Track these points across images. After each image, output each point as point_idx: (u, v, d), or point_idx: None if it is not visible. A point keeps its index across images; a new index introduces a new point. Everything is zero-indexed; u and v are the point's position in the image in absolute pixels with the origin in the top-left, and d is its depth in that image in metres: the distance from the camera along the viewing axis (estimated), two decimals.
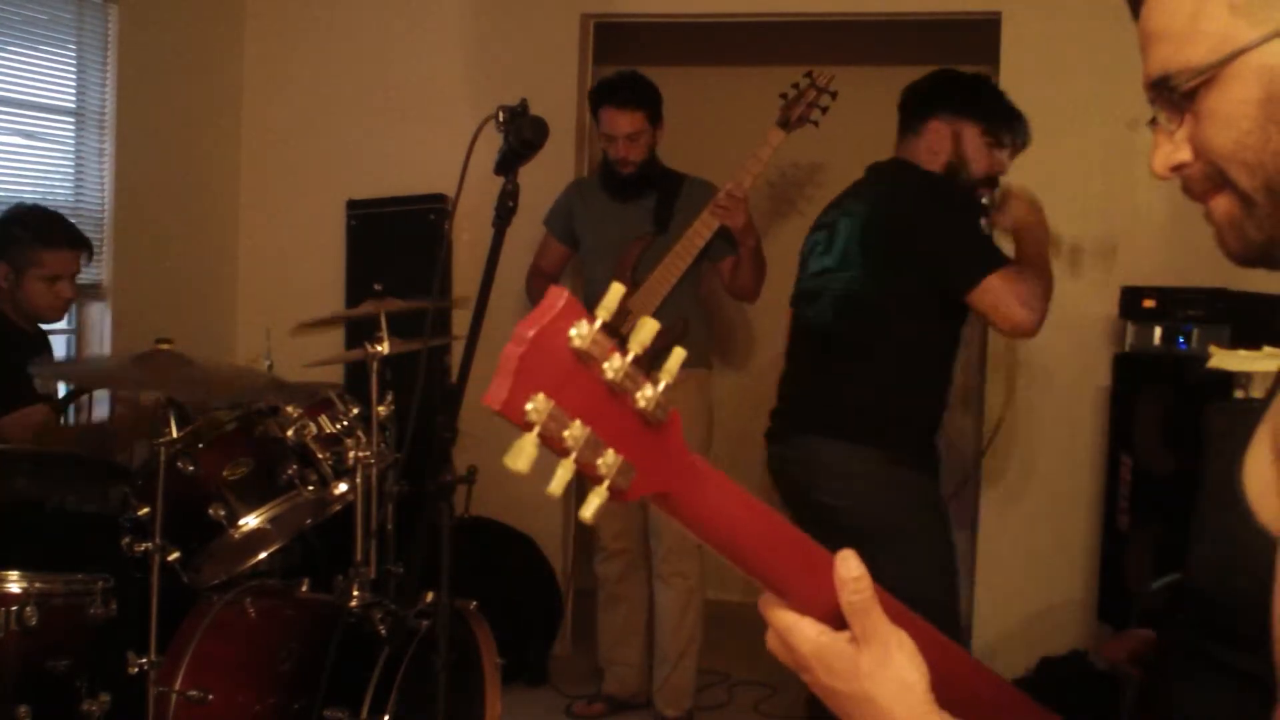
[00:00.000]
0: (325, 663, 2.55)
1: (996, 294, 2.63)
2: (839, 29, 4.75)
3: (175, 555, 2.65)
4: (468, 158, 2.16)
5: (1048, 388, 4.23)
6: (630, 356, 0.79)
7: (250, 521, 2.77)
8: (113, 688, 2.57)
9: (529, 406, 0.75)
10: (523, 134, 2.14)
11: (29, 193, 3.93)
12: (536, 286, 4.10)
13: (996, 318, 2.66)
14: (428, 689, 2.23)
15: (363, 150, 4.69)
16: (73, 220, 3.46)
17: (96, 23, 4.10)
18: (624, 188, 3.87)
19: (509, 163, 2.18)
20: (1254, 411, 0.91)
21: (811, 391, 2.89)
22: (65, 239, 3.27)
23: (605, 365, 0.78)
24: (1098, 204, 4.17)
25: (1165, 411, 3.60)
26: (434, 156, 4.12)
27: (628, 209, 3.89)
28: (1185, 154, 0.93)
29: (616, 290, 0.78)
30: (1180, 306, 3.69)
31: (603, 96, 3.84)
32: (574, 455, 0.78)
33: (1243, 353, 3.18)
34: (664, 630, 3.87)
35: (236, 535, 2.76)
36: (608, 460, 0.79)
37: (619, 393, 0.79)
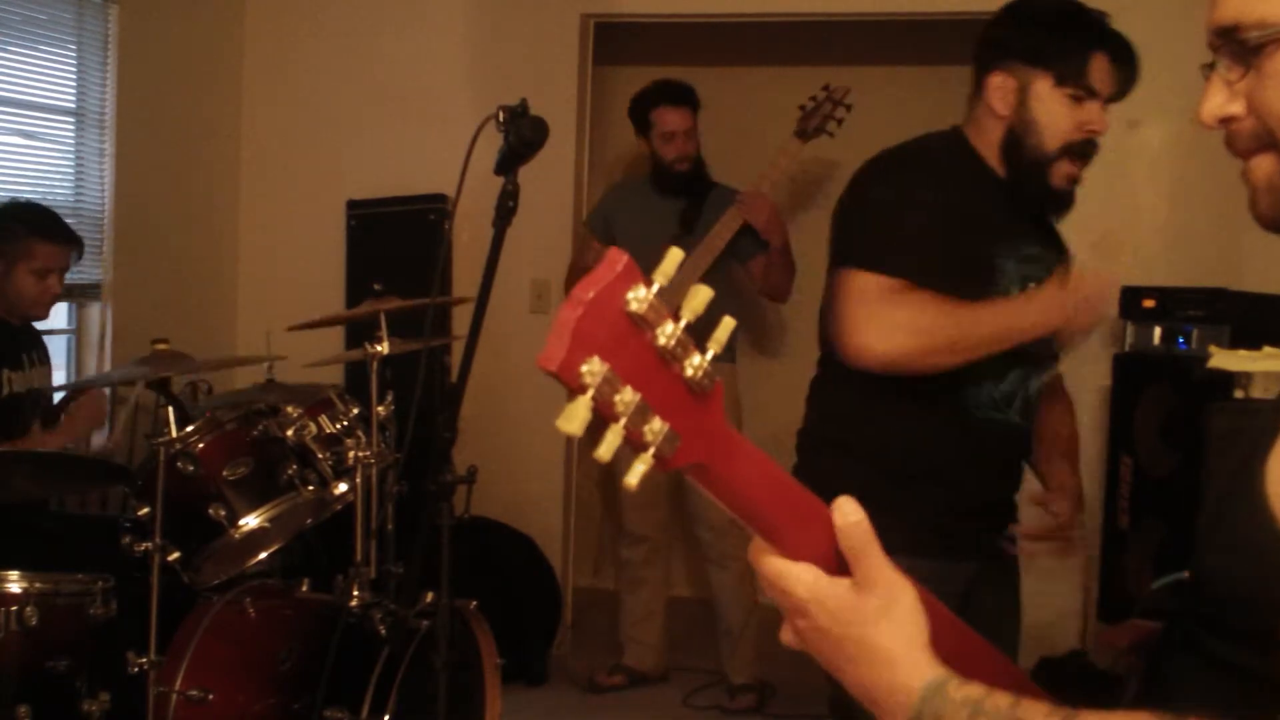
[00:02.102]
0: (325, 663, 2.55)
1: (847, 294, 1.95)
2: (839, 29, 4.75)
3: (175, 555, 2.65)
4: (468, 158, 2.16)
5: None
6: (683, 323, 0.78)
7: (250, 521, 2.77)
8: (113, 688, 2.57)
9: (584, 369, 0.74)
10: (523, 134, 2.14)
11: (29, 193, 3.92)
12: (576, 281, 4.15)
13: (830, 323, 2.02)
14: (428, 689, 2.23)
15: (363, 150, 4.69)
16: (73, 220, 3.47)
17: (96, 23, 4.10)
18: (680, 186, 4.01)
19: (509, 163, 2.17)
20: (1262, 413, 0.90)
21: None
22: (59, 233, 3.27)
23: (659, 331, 0.77)
24: (1098, 204, 4.17)
25: (1165, 411, 3.60)
26: (434, 156, 4.12)
27: (659, 210, 4.02)
28: (1238, 107, 0.91)
29: (675, 255, 0.78)
30: (1180, 306, 3.69)
31: (656, 98, 4.03)
32: (624, 421, 0.76)
33: (1243, 353, 3.19)
34: (726, 604, 4.03)
35: (236, 535, 2.76)
36: (654, 428, 0.78)
37: (669, 360, 0.78)
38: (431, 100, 4.61)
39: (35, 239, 3.20)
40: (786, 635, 0.94)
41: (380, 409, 2.92)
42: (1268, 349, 3.18)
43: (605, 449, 0.75)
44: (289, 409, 2.85)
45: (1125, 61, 2.07)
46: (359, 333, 3.72)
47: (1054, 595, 4.18)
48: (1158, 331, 3.74)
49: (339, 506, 2.83)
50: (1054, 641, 4.00)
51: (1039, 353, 2.13)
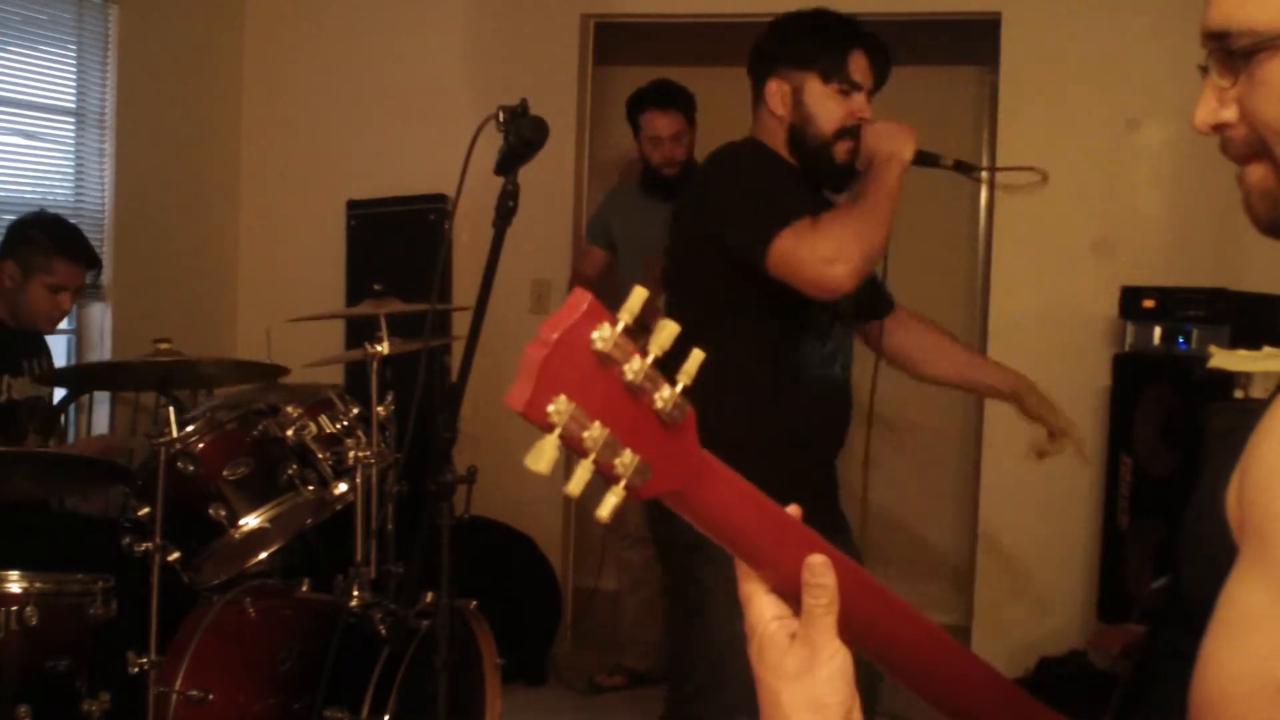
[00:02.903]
0: (325, 663, 2.55)
1: (788, 254, 2.15)
2: None
3: (175, 555, 2.65)
4: (468, 158, 2.16)
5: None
6: (650, 359, 0.79)
7: (250, 521, 2.77)
8: (113, 688, 2.57)
9: (551, 408, 0.76)
10: (523, 134, 2.14)
11: (29, 193, 3.93)
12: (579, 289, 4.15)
13: (797, 282, 2.17)
14: (428, 689, 2.23)
15: (363, 150, 4.69)
16: (73, 220, 3.46)
17: (96, 23, 4.10)
18: (668, 189, 3.98)
19: (509, 163, 2.17)
20: (1256, 414, 0.91)
21: None
22: (82, 255, 3.28)
23: (626, 367, 0.78)
24: (1098, 204, 4.17)
25: (1165, 411, 3.60)
26: (434, 156, 4.12)
27: (658, 213, 3.94)
28: (1231, 114, 0.90)
29: (639, 294, 0.79)
30: (1180, 306, 3.69)
31: (644, 100, 4.01)
32: (593, 456, 0.78)
33: (1243, 353, 3.18)
34: None
35: (236, 535, 2.76)
36: (625, 460, 0.79)
37: (637, 393, 0.80)
38: (431, 100, 4.61)
39: (58, 256, 3.20)
40: None
41: (380, 409, 2.92)
42: (1268, 349, 3.17)
43: (575, 484, 0.77)
44: (289, 409, 2.84)
45: (879, 55, 2.44)
46: (359, 333, 3.72)
47: (1054, 595, 4.19)
48: (1158, 331, 3.74)
49: (339, 506, 2.83)
50: (1054, 641, 4.00)
51: (853, 311, 2.45)
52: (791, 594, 0.90)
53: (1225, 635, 0.75)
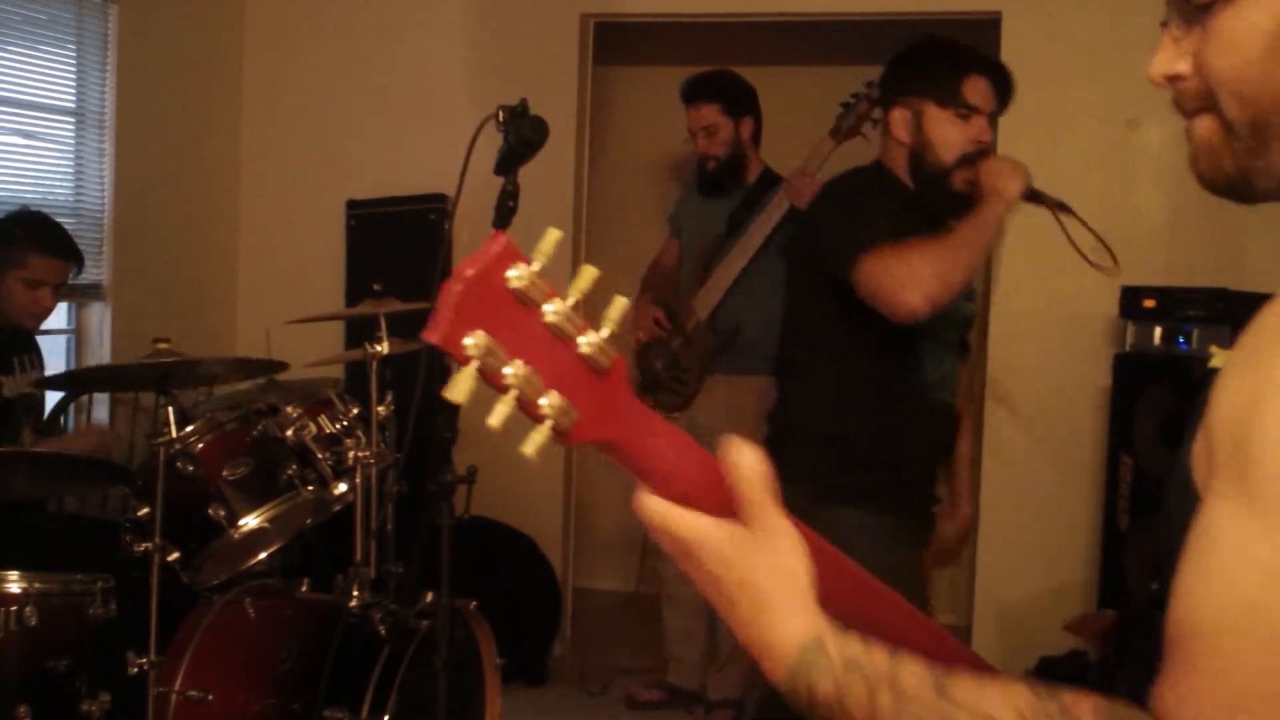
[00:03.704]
0: (325, 663, 2.55)
1: (869, 276, 2.28)
2: (839, 29, 4.75)
3: (175, 555, 2.65)
4: (468, 158, 2.16)
5: (1048, 387, 4.23)
6: (571, 301, 0.82)
7: (250, 521, 2.77)
8: (113, 688, 2.57)
9: (467, 341, 0.78)
10: (523, 134, 2.14)
11: (29, 193, 3.93)
12: (650, 278, 4.18)
13: (875, 303, 2.29)
14: (428, 689, 2.24)
15: (363, 150, 4.69)
16: (72, 220, 3.45)
17: (96, 23, 4.10)
18: (711, 183, 3.97)
19: (509, 163, 2.18)
20: None
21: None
22: (59, 247, 3.22)
23: (546, 308, 0.81)
24: (1098, 204, 4.17)
25: (1165, 411, 3.60)
26: (434, 156, 4.13)
27: (711, 208, 3.99)
28: (1185, 66, 0.91)
29: (552, 235, 0.81)
30: (1180, 306, 3.69)
31: (684, 95, 3.98)
32: (514, 393, 0.80)
33: None
34: (722, 628, 3.94)
35: (236, 535, 2.76)
36: (551, 401, 0.81)
37: (561, 336, 0.82)
38: (431, 100, 4.61)
39: (32, 249, 3.15)
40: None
41: (380, 409, 2.92)
42: None
43: (495, 418, 0.79)
44: (289, 409, 2.84)
45: (1000, 78, 2.51)
46: (359, 333, 3.72)
47: (1054, 595, 4.19)
48: (1158, 331, 3.74)
49: (339, 506, 2.83)
50: (1054, 642, 4.00)
51: (958, 339, 2.63)
52: (696, 499, 0.90)
53: (1196, 565, 0.76)
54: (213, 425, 2.79)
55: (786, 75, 5.13)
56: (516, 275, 0.80)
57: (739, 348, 3.85)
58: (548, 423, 0.82)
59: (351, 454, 2.82)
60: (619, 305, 0.84)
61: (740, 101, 3.94)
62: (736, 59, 5.25)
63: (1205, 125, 0.91)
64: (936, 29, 4.64)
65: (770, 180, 3.93)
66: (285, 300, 4.26)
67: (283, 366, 3.07)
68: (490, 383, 0.80)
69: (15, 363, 3.24)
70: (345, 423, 2.92)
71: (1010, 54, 4.24)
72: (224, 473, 2.76)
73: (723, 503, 0.90)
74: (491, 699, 2.75)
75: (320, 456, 2.83)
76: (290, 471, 2.80)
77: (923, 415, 2.50)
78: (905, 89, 2.49)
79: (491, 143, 2.17)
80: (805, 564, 0.88)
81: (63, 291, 3.29)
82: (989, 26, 4.26)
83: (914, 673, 0.84)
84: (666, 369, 3.94)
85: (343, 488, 2.84)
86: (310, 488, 2.82)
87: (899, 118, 2.48)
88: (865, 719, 0.84)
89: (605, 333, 0.84)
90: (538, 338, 0.81)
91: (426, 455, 2.22)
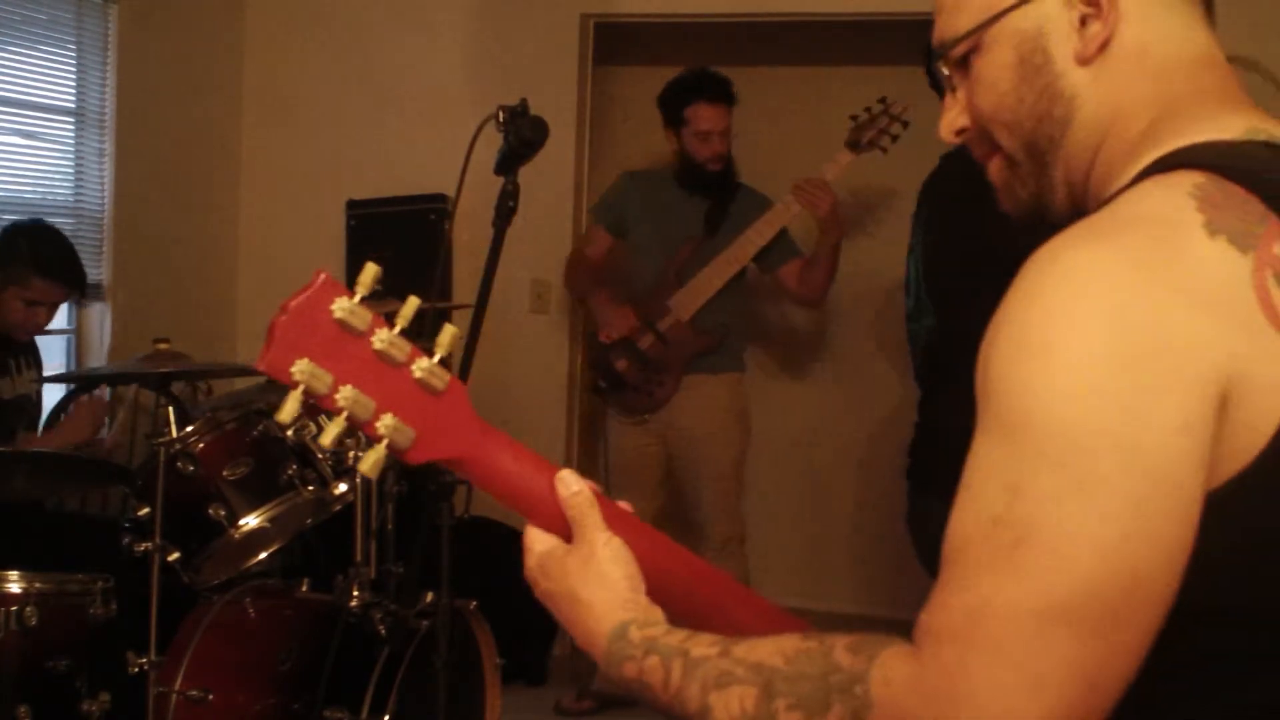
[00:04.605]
0: (325, 663, 2.55)
1: None
2: (839, 29, 4.75)
3: (175, 555, 2.65)
4: (468, 158, 2.16)
5: None
6: (398, 329, 0.89)
7: (250, 521, 2.77)
8: (113, 688, 2.57)
9: (294, 369, 0.85)
10: (523, 134, 2.14)
11: (29, 193, 3.93)
12: (579, 274, 4.05)
13: None
14: (428, 689, 2.24)
15: (363, 150, 4.69)
16: (72, 220, 3.44)
17: (96, 23, 4.10)
18: (709, 185, 3.86)
19: (509, 163, 2.18)
20: None
21: (921, 445, 2.68)
22: (63, 273, 3.19)
23: (374, 337, 0.87)
24: None
25: None
26: (434, 156, 4.12)
27: (683, 207, 3.89)
28: (964, 119, 0.99)
29: (370, 270, 0.88)
30: None
31: (693, 92, 3.82)
32: (345, 414, 0.87)
33: None
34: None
35: (236, 535, 2.76)
36: (386, 422, 0.88)
37: (392, 363, 0.88)
38: (431, 100, 4.61)
39: (35, 271, 3.12)
40: None
41: None
42: None
43: (327, 437, 0.87)
44: None
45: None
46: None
47: None
48: None
49: (339, 506, 2.83)
50: None
51: None
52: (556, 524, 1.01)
53: (962, 490, 0.81)
54: (213, 425, 2.79)
55: (787, 76, 5.13)
56: (339, 307, 0.86)
57: (719, 348, 3.84)
58: (384, 441, 0.88)
59: (351, 454, 2.82)
60: (449, 333, 0.92)
61: (735, 104, 3.89)
62: (737, 59, 5.25)
63: (995, 165, 1.00)
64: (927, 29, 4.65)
65: (731, 180, 3.91)
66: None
67: None
68: (322, 406, 0.86)
69: (12, 365, 3.23)
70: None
71: None
72: (224, 473, 2.76)
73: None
74: (491, 699, 2.75)
75: (320, 456, 2.83)
76: (290, 471, 2.80)
77: None
78: None
79: (491, 143, 2.17)
80: (623, 570, 0.98)
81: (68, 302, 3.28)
82: None
83: (704, 642, 0.92)
84: (635, 369, 3.84)
85: (343, 488, 2.83)
86: (310, 488, 2.82)
87: None
88: (662, 689, 0.92)
89: (437, 357, 0.90)
90: (368, 364, 0.87)
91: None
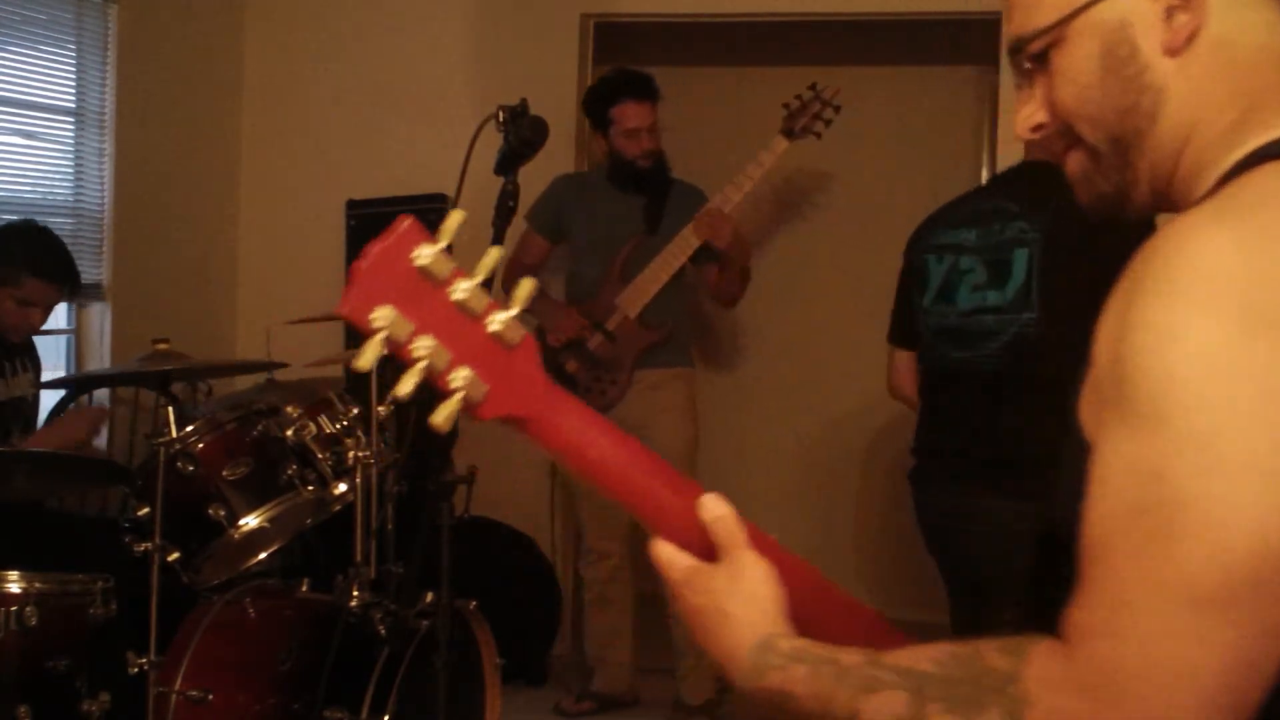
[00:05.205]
0: (325, 663, 2.55)
1: None
2: (839, 29, 4.75)
3: (175, 555, 2.65)
4: (468, 158, 2.16)
5: None
6: (478, 279, 0.86)
7: (250, 521, 2.77)
8: (113, 688, 2.57)
9: (374, 315, 0.82)
10: (523, 134, 2.14)
11: (29, 193, 3.93)
12: (517, 281, 4.04)
13: None
14: (428, 689, 2.23)
15: (363, 150, 4.69)
16: (72, 220, 3.44)
17: (96, 23, 4.10)
18: (642, 182, 3.85)
19: (509, 163, 2.18)
20: None
21: (985, 446, 2.60)
22: (55, 273, 3.17)
23: (454, 286, 0.85)
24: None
25: None
26: (434, 156, 4.12)
27: (620, 207, 3.87)
28: (1043, 115, 0.99)
29: (456, 216, 0.85)
30: None
31: (621, 91, 3.82)
32: (423, 364, 0.84)
33: None
34: (684, 625, 3.86)
35: (236, 535, 2.76)
36: (460, 374, 0.85)
37: (470, 314, 0.86)
38: (431, 100, 4.61)
39: (28, 272, 3.10)
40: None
41: (380, 409, 2.92)
42: None
43: (402, 388, 0.84)
44: (289, 409, 2.84)
45: None
46: (359, 333, 3.71)
47: None
48: None
49: (339, 506, 2.83)
50: None
51: None
52: (669, 524, 1.00)
53: (1094, 482, 0.81)
54: (213, 425, 2.79)
55: (787, 76, 5.12)
56: (421, 254, 0.83)
57: (668, 343, 3.84)
58: (458, 394, 0.85)
59: (351, 454, 2.81)
60: (526, 285, 0.89)
61: (659, 100, 3.86)
62: (737, 59, 5.26)
63: (1075, 159, 0.99)
64: (936, 29, 4.66)
65: (664, 176, 3.90)
66: (285, 300, 4.26)
67: (280, 364, 3.06)
68: (399, 355, 0.84)
69: (7, 367, 3.22)
70: (345, 423, 2.92)
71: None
72: (224, 473, 2.76)
73: (638, 478, 0.98)
74: (491, 699, 2.75)
75: (320, 456, 2.83)
76: (290, 471, 2.80)
77: None
78: None
79: (491, 143, 2.17)
80: (771, 591, 0.99)
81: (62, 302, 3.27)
82: (989, 26, 4.26)
83: (853, 653, 0.92)
84: (585, 370, 3.84)
85: (343, 488, 2.83)
86: (310, 488, 2.81)
87: None
88: (808, 697, 0.92)
89: (514, 311, 0.88)
90: (447, 314, 0.85)
91: (426, 455, 2.22)
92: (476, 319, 0.86)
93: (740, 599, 0.98)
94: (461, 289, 0.85)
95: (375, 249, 0.83)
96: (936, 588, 2.86)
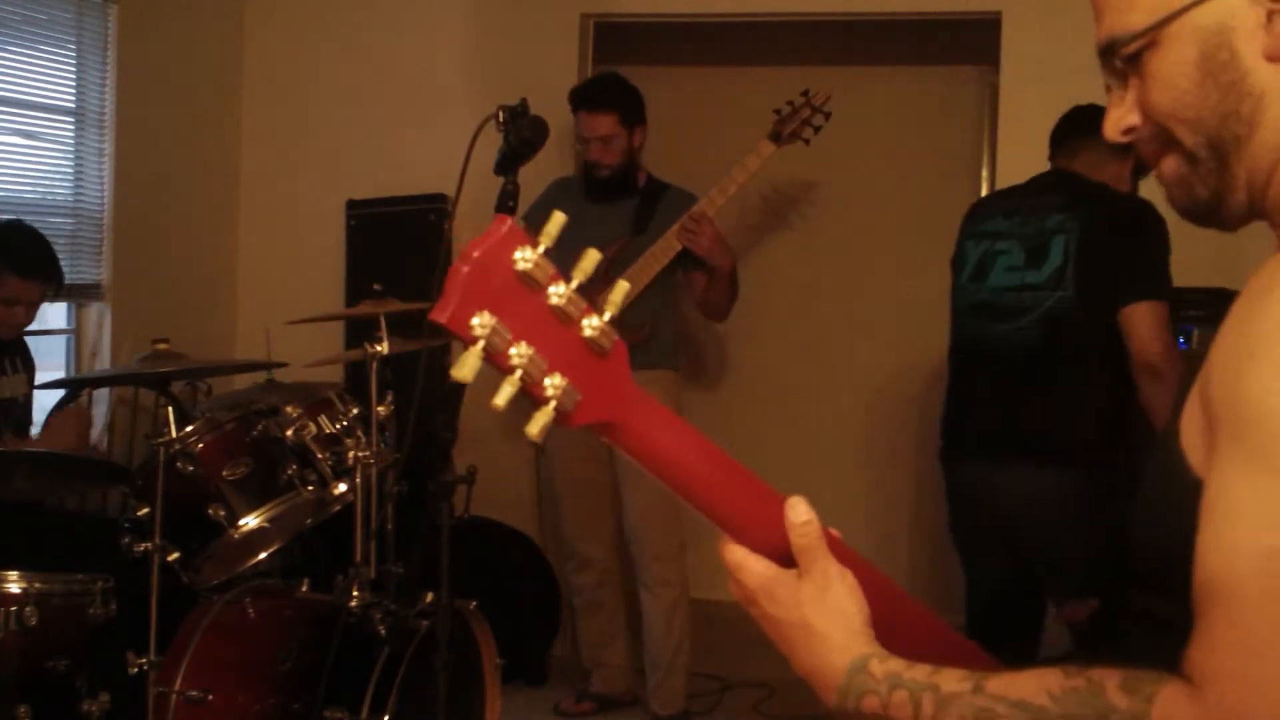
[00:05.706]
0: (325, 663, 2.55)
1: (1161, 322, 2.71)
2: (839, 29, 4.75)
3: (175, 555, 2.65)
4: (468, 158, 2.16)
5: None
6: (575, 284, 0.83)
7: (250, 521, 2.77)
8: (113, 688, 2.57)
9: (474, 321, 0.79)
10: (523, 134, 2.15)
11: (29, 193, 3.93)
12: None
13: (1156, 341, 2.70)
14: (428, 689, 2.24)
15: (363, 150, 4.69)
16: (72, 221, 3.43)
17: (96, 23, 4.10)
18: (600, 191, 3.82)
19: (509, 162, 2.18)
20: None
21: (1017, 415, 2.79)
22: (35, 270, 3.17)
23: (551, 290, 0.82)
24: None
25: None
26: (434, 156, 4.12)
27: (608, 211, 3.83)
28: (1135, 117, 0.97)
29: (557, 219, 0.82)
30: (1180, 306, 3.68)
31: (577, 99, 3.81)
32: (519, 373, 0.81)
33: None
34: (653, 637, 3.85)
35: (236, 535, 2.76)
36: (554, 382, 0.82)
37: (565, 320, 0.83)
38: (431, 100, 4.61)
39: (8, 270, 3.11)
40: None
41: (380, 409, 2.92)
42: None
43: (501, 398, 0.80)
44: (289, 409, 2.84)
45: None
46: (359, 333, 3.71)
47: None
48: None
49: (339, 506, 2.83)
50: (1053, 643, 3.99)
51: None
52: (750, 532, 0.97)
53: (1215, 521, 0.80)
54: (213, 425, 2.79)
55: (788, 76, 5.12)
56: (523, 258, 0.81)
57: (650, 345, 3.79)
58: (551, 404, 0.83)
59: (351, 454, 2.81)
60: (620, 289, 0.86)
61: (636, 111, 3.79)
62: (738, 59, 5.26)
63: (1171, 163, 0.97)
64: (936, 29, 4.65)
65: (656, 185, 3.86)
66: (285, 300, 4.26)
67: (279, 364, 3.06)
68: (495, 364, 0.81)
69: (4, 366, 3.22)
70: (345, 423, 2.92)
71: (1010, 54, 4.24)
72: (224, 473, 2.76)
73: (718, 481, 0.95)
74: (491, 699, 2.75)
75: (320, 456, 2.83)
76: (290, 471, 2.80)
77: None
78: None
79: (491, 143, 2.17)
80: (858, 605, 0.97)
81: (47, 300, 3.25)
82: (989, 26, 4.26)
83: (953, 677, 0.90)
84: None
85: (343, 488, 2.83)
86: (310, 488, 2.82)
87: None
88: None
89: (607, 316, 0.85)
90: (542, 320, 0.82)
91: (426, 455, 2.22)
92: (572, 324, 0.84)
93: (827, 614, 0.96)
94: (559, 294, 0.83)
95: (476, 253, 0.80)
96: (934, 591, 2.86)
